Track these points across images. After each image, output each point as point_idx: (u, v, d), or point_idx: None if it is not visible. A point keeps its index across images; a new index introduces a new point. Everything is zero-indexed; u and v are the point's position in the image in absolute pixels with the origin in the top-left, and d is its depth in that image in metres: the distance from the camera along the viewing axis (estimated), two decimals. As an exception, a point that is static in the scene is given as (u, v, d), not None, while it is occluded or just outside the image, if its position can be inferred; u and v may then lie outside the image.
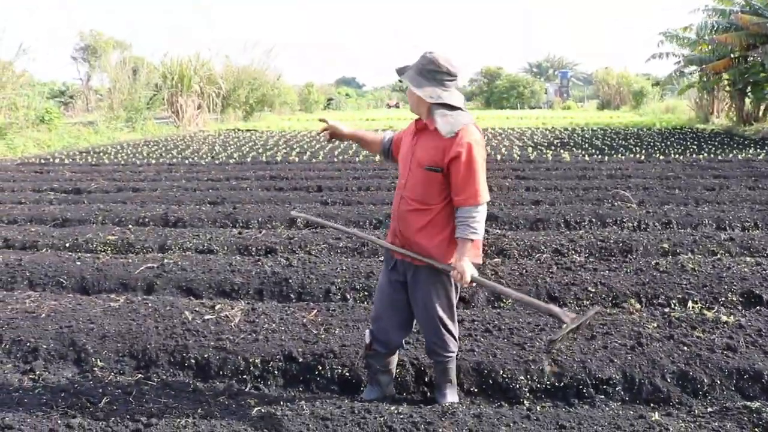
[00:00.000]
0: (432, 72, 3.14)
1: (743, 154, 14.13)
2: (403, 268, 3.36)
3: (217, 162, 14.60)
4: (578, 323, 3.11)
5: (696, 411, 3.41)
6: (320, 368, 3.91)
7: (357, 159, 14.65)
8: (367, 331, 3.55)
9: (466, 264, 3.12)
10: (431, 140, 3.18)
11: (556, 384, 3.71)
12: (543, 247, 6.37)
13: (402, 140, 3.47)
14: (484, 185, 3.15)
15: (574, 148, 16.42)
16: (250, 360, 3.98)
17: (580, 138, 19.83)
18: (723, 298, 4.96)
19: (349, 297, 5.27)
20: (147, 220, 8.18)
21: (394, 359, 3.66)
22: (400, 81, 3.26)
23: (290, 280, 5.46)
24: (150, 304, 4.85)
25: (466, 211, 3.13)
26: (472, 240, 3.13)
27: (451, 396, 3.60)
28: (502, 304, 5.03)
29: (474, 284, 3.17)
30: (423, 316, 3.37)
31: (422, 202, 3.23)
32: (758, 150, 14.97)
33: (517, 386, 3.72)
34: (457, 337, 3.48)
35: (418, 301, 3.35)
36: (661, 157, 13.93)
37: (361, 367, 3.85)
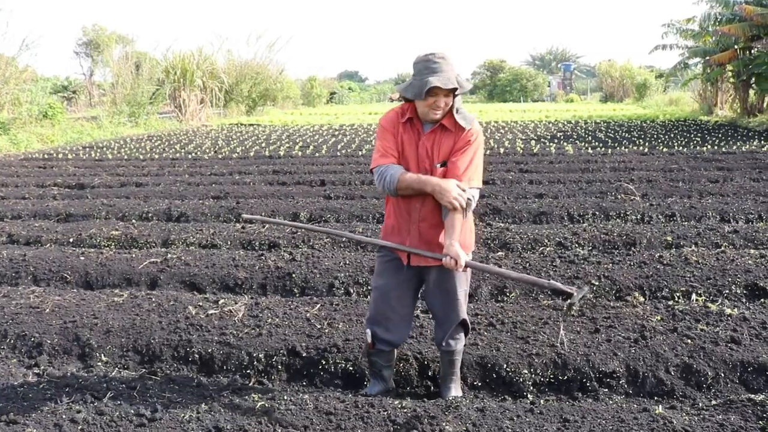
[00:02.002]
0: (451, 65, 3.12)
1: (747, 146, 14.08)
2: (419, 269, 3.36)
3: (220, 156, 14.61)
4: (582, 294, 3.18)
5: (700, 404, 3.41)
6: (324, 363, 3.91)
7: (360, 153, 14.65)
8: (368, 330, 3.51)
9: (459, 248, 3.11)
10: (444, 138, 3.21)
11: (560, 377, 3.71)
12: (546, 241, 6.36)
13: (401, 145, 3.30)
14: (478, 174, 3.23)
15: (577, 141, 16.38)
16: (254, 354, 3.99)
17: (583, 131, 19.78)
18: (727, 291, 4.95)
19: (352, 291, 5.27)
20: (150, 215, 8.19)
21: (395, 353, 3.67)
22: (453, 92, 3.10)
23: (293, 275, 5.47)
24: (154, 299, 4.86)
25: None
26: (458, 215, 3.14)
27: (456, 390, 3.61)
28: (505, 298, 5.03)
29: (468, 269, 3.17)
30: (446, 309, 3.40)
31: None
32: (762, 142, 14.92)
33: (521, 380, 3.72)
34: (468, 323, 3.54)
35: (441, 295, 3.39)
36: (665, 150, 13.89)
37: (364, 362, 3.85)
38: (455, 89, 3.08)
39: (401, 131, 3.29)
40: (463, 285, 3.43)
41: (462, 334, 3.52)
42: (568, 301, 3.14)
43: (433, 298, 3.45)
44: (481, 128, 3.28)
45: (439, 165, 3.21)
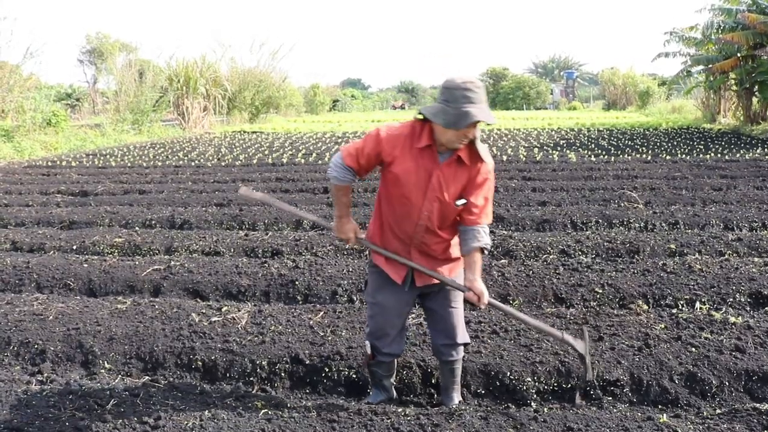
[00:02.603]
0: (485, 95, 2.98)
1: (750, 154, 14.07)
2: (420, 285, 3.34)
3: (223, 164, 14.63)
4: (586, 348, 3.47)
5: (704, 413, 3.39)
6: (327, 370, 3.91)
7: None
8: (367, 342, 3.47)
9: (483, 285, 3.14)
10: (459, 171, 3.10)
11: (564, 385, 3.70)
12: (549, 248, 6.35)
13: (398, 157, 3.10)
14: (491, 206, 3.27)
15: (580, 149, 16.39)
16: (257, 362, 3.99)
17: (586, 138, 19.79)
18: (731, 299, 4.93)
19: (355, 299, 5.27)
20: (154, 222, 8.20)
21: (395, 362, 3.67)
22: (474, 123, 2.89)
23: (297, 282, 5.47)
24: (157, 306, 4.86)
25: (481, 227, 3.16)
26: (482, 253, 3.21)
27: (458, 397, 3.60)
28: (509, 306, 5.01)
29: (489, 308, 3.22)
30: (449, 319, 3.38)
31: (450, 232, 3.26)
32: (766, 150, 14.90)
33: (524, 388, 3.71)
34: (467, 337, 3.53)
35: (447, 310, 3.38)
36: (668, 158, 13.88)
37: (365, 373, 3.84)
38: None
39: (408, 156, 3.08)
40: (458, 297, 3.44)
41: (461, 347, 3.50)
42: (586, 376, 3.50)
43: (438, 312, 3.40)
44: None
45: (459, 203, 3.12)
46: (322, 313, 4.69)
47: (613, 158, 14.00)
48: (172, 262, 6.00)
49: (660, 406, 3.57)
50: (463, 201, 3.12)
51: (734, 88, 24.00)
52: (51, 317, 4.65)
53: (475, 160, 3.09)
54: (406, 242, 3.25)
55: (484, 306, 3.14)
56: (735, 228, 7.31)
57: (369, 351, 3.47)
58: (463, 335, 3.43)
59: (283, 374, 3.94)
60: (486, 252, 3.22)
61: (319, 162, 14.65)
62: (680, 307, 4.86)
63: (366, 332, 3.52)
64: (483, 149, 3.09)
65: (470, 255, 3.15)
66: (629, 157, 14.11)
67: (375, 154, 3.14)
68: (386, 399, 3.62)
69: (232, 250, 6.70)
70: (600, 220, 7.64)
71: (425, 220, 3.15)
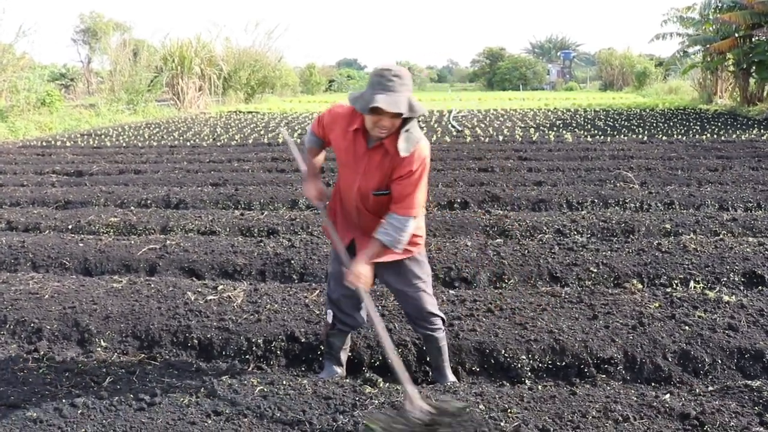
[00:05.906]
0: (406, 86, 2.87)
1: (746, 135, 14.07)
2: None
3: (218, 144, 14.58)
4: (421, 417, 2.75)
5: (697, 390, 3.42)
6: (322, 348, 3.92)
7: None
8: (329, 311, 3.49)
9: (366, 269, 3.06)
10: (383, 160, 3.06)
11: (558, 363, 3.73)
12: (545, 228, 6.37)
13: (336, 135, 3.19)
14: (422, 200, 3.12)
15: (576, 129, 16.36)
16: (253, 340, 4.00)
17: (582, 119, 19.75)
18: (725, 278, 4.96)
19: (351, 278, 5.27)
20: (149, 202, 8.19)
21: (350, 338, 3.70)
22: (374, 111, 2.83)
23: (292, 261, 5.47)
24: (153, 285, 4.86)
25: (397, 219, 3.05)
26: (386, 246, 3.08)
27: (450, 375, 3.61)
28: (503, 285, 5.04)
29: (356, 290, 3.10)
30: (411, 302, 3.34)
31: (382, 214, 3.19)
32: (762, 130, 14.89)
33: (519, 366, 3.73)
34: (440, 311, 3.47)
35: (400, 289, 3.34)
36: (664, 138, 13.87)
37: (323, 343, 3.86)
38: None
39: (342, 136, 3.14)
40: (421, 276, 3.34)
41: (437, 319, 3.42)
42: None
43: (394, 293, 3.40)
44: (428, 150, 3.06)
45: (375, 193, 3.12)
46: (317, 291, 4.70)
47: (609, 139, 13.99)
48: (168, 242, 6.00)
49: (653, 384, 3.59)
50: (379, 192, 3.12)
51: (731, 68, 23.92)
52: (47, 296, 4.65)
53: (398, 151, 2.98)
54: (350, 217, 3.31)
55: (354, 287, 3.06)
56: (730, 208, 7.33)
57: (330, 320, 3.49)
58: (431, 306, 3.37)
59: (278, 352, 3.96)
60: (395, 249, 3.08)
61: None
62: (674, 286, 4.89)
63: (326, 301, 3.53)
64: (410, 140, 2.98)
65: (373, 238, 3.08)
66: (625, 138, 14.10)
67: (325, 125, 3.27)
68: (340, 375, 3.63)
69: (228, 230, 6.70)
70: (595, 200, 7.65)
71: (357, 200, 3.21)
